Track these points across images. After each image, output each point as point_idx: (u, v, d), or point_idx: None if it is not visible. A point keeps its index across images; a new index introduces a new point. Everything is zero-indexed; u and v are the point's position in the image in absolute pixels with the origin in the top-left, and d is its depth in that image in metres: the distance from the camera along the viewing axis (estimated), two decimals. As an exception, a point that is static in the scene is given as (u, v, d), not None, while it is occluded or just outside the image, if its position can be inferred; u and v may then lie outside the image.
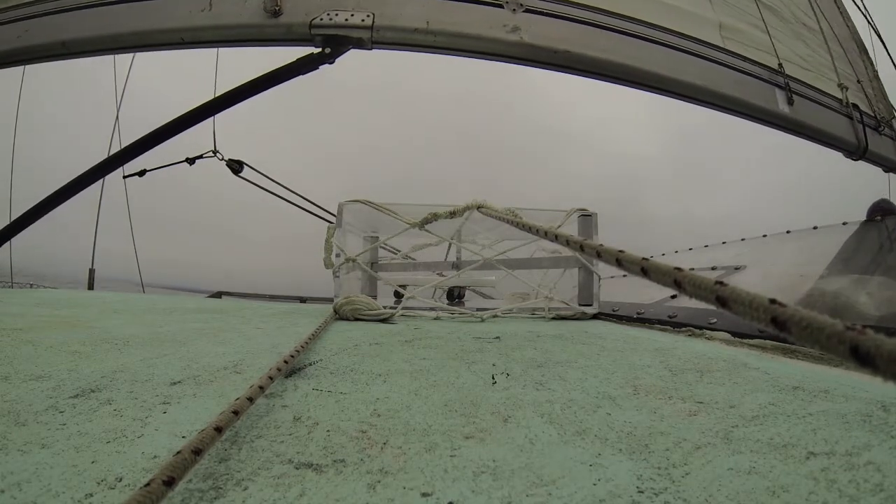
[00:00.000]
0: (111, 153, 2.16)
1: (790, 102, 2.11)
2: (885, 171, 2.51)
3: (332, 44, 1.68)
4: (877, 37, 2.96)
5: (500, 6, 1.75)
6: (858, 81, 2.61)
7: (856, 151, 2.33)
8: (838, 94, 2.40)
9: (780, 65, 2.17)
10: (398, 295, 1.80)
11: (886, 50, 2.94)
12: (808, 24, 2.60)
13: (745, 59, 2.10)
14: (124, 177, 2.95)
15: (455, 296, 1.96)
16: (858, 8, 3.04)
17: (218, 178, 2.82)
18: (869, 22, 3.02)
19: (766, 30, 2.28)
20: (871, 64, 2.85)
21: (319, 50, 1.69)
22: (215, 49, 2.61)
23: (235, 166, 2.82)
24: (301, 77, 1.74)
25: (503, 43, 1.73)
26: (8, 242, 2.13)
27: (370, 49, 1.73)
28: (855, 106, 2.40)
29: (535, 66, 1.81)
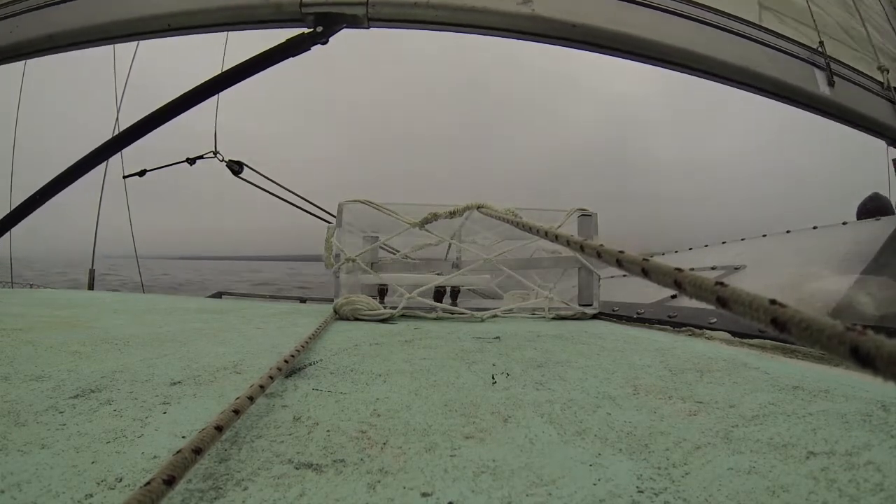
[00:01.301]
0: (112, 136, 2.14)
1: (831, 84, 1.94)
2: None
3: (325, 22, 1.59)
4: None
5: None
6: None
7: (898, 139, 2.15)
8: (879, 77, 2.20)
9: (820, 43, 1.99)
10: (382, 294, 1.79)
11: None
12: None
13: (782, 36, 1.94)
14: (124, 177, 2.95)
15: (451, 294, 1.95)
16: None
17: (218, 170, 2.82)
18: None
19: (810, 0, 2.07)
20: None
21: (311, 30, 1.60)
22: (215, 35, 2.59)
23: (235, 167, 2.82)
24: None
25: (513, 16, 1.60)
26: (9, 244, 2.13)
27: (366, 27, 1.64)
28: (896, 89, 2.21)
29: (550, 42, 1.69)
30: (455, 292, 1.87)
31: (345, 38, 1.70)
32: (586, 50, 1.70)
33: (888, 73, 2.23)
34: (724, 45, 1.78)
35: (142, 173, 2.84)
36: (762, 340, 0.92)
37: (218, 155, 2.82)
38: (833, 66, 1.99)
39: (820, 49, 2.00)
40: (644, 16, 1.69)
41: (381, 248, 2.03)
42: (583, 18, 1.62)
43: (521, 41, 1.72)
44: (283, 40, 1.68)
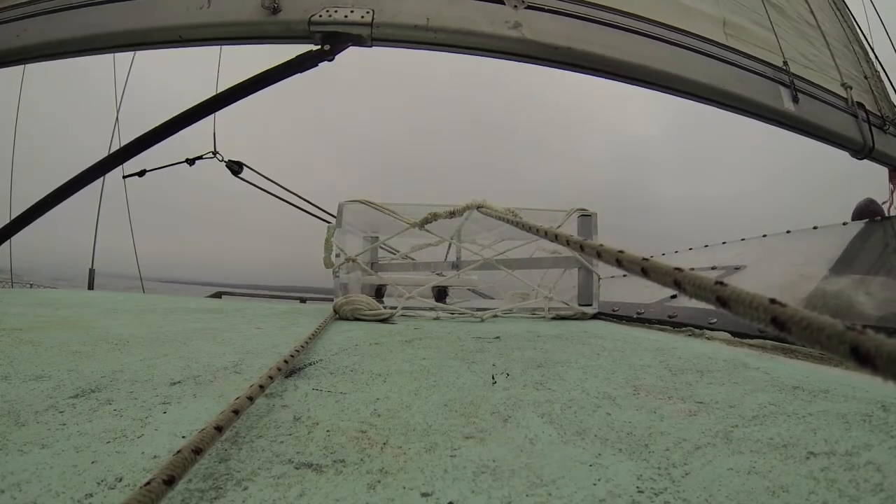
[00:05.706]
0: (111, 152, 2.16)
1: (795, 100, 2.10)
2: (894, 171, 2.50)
3: (332, 41, 1.67)
4: (885, 35, 2.96)
5: (502, 2, 1.74)
6: (867, 78, 2.60)
7: (861, 150, 2.31)
8: (843, 93, 2.38)
9: (784, 62, 2.16)
10: (380, 294, 1.80)
11: (894, 46, 2.93)
12: (812, 23, 2.59)
13: (749, 56, 2.09)
14: (124, 177, 2.95)
15: (443, 295, 1.97)
16: (871, 5, 3.04)
17: (218, 173, 2.83)
18: (881, 20, 3.01)
19: (770, 27, 2.26)
20: (877, 62, 2.83)
21: (318, 47, 1.68)
22: (216, 47, 2.62)
23: (235, 167, 2.82)
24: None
25: (505, 39, 1.72)
26: (8, 243, 2.13)
27: (370, 46, 1.72)
28: (860, 104, 2.38)
29: (537, 64, 1.80)
30: (442, 291, 1.88)
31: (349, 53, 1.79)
32: (570, 70, 1.83)
33: (851, 89, 2.41)
34: (694, 65, 1.92)
35: (141, 173, 2.84)
36: (762, 341, 0.92)
37: (217, 155, 2.82)
38: (797, 83, 2.15)
39: (785, 67, 2.16)
40: (619, 39, 1.82)
41: (381, 248, 2.03)
42: (566, 42, 1.74)
43: (513, 61, 1.84)
44: (275, 55, 1.76)
